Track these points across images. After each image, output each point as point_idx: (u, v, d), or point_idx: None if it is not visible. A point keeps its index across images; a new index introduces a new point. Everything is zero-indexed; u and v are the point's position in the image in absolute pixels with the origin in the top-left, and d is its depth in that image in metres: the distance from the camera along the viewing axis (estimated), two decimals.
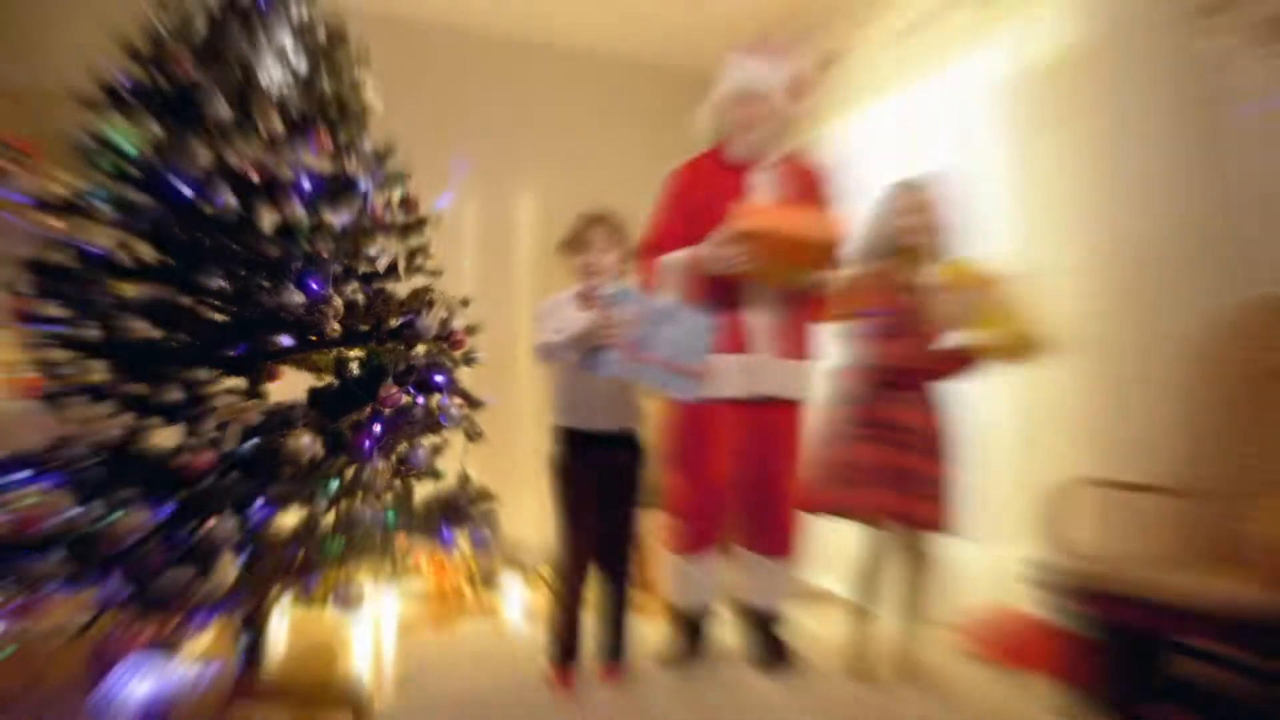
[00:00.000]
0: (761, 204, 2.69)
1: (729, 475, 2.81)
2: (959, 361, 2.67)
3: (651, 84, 5.00)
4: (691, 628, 2.87)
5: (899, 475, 2.59)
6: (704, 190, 2.83)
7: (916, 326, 2.65)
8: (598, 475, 2.59)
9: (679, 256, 2.75)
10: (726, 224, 2.58)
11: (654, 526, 4.05)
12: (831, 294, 2.79)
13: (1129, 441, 2.86)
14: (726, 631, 3.03)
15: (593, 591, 2.63)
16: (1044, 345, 2.56)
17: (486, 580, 4.16)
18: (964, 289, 2.57)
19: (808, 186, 2.87)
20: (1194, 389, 2.57)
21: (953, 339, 2.63)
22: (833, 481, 2.67)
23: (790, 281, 2.70)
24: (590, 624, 2.68)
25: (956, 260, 2.67)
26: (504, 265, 4.61)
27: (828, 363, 2.91)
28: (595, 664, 2.63)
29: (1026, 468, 3.30)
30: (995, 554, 3.32)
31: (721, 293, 2.74)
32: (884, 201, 2.75)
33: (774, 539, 2.83)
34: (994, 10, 3.47)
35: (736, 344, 2.76)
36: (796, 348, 2.81)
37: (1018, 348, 2.55)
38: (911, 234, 2.68)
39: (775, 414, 2.79)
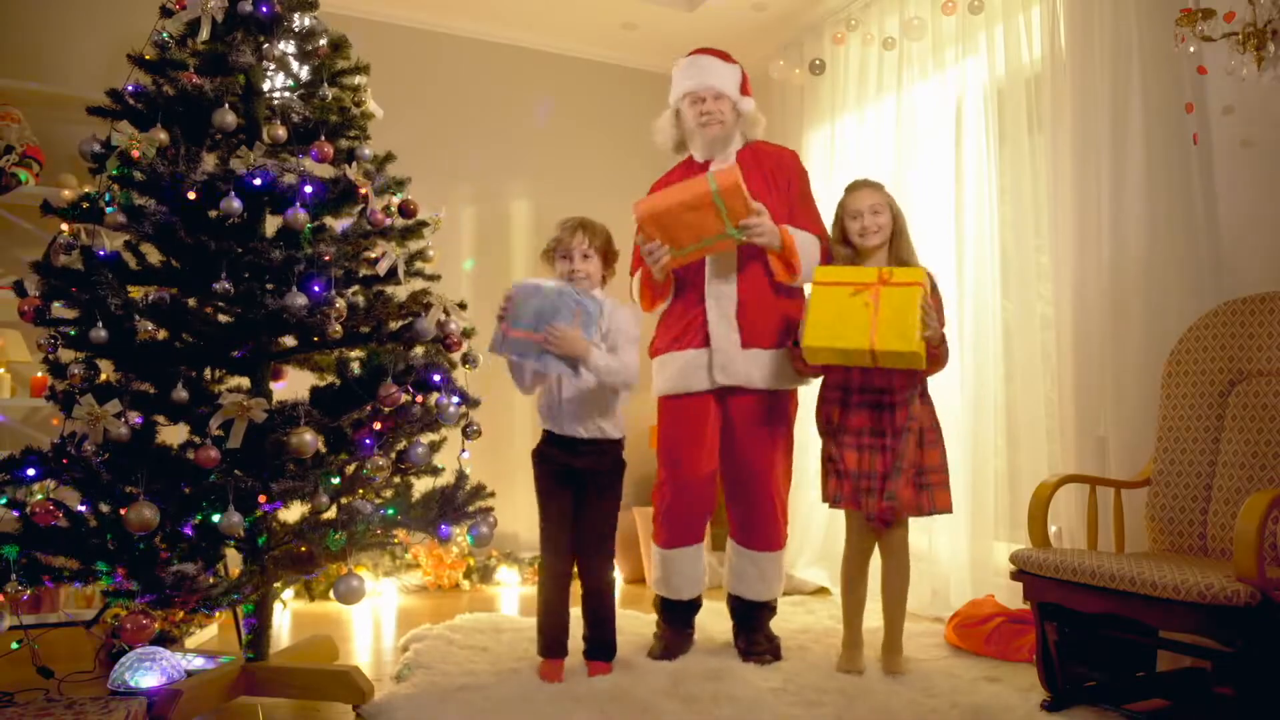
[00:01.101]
0: (651, 196, 2.75)
1: (716, 470, 2.88)
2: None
3: (646, 92, 5.04)
4: (679, 621, 2.94)
5: (873, 478, 2.64)
6: None
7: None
8: (568, 475, 2.66)
9: (638, 276, 2.88)
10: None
11: (646, 526, 4.12)
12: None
13: (1106, 440, 2.92)
14: (715, 623, 3.10)
15: (580, 588, 2.70)
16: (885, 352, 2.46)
17: (483, 574, 4.23)
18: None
19: (767, 169, 2.90)
20: (1168, 390, 2.64)
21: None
22: (821, 474, 2.75)
23: (716, 245, 2.71)
24: (577, 618, 2.75)
25: (824, 266, 2.65)
26: (500, 268, 4.66)
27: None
28: (584, 659, 2.69)
29: (1009, 465, 3.37)
30: (979, 547, 3.39)
31: (681, 293, 2.87)
32: (840, 203, 2.78)
33: (760, 533, 2.88)
34: (978, 18, 3.53)
35: (699, 339, 2.82)
36: (766, 337, 2.81)
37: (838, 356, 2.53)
38: (864, 234, 2.70)
39: (751, 405, 2.82)
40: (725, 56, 2.95)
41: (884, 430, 2.65)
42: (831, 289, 2.55)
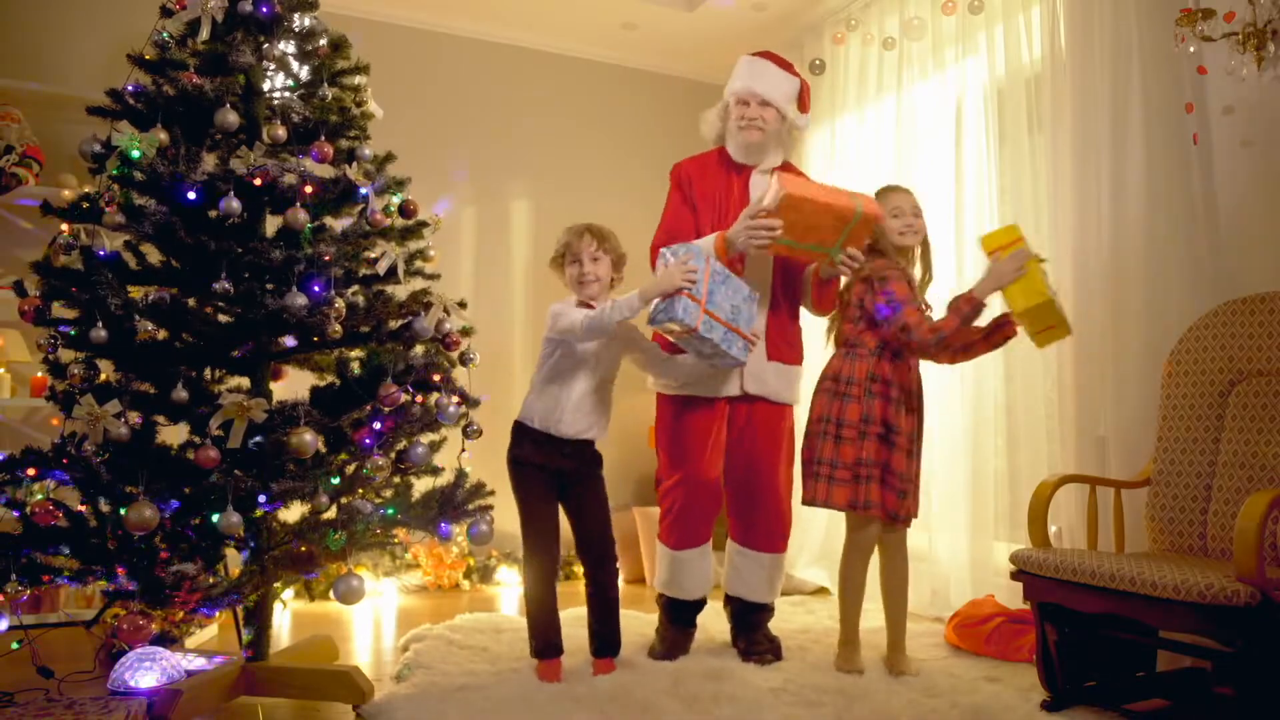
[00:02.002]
0: (794, 177, 2.72)
1: (722, 472, 2.88)
2: (998, 332, 2.69)
3: (646, 92, 5.05)
4: (682, 620, 2.94)
5: (888, 473, 2.65)
6: (709, 184, 2.91)
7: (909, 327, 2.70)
8: (552, 476, 2.67)
9: (704, 241, 2.76)
10: (766, 194, 2.62)
11: (649, 520, 4.12)
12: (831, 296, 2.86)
13: (1106, 440, 2.92)
14: (715, 623, 3.10)
15: (583, 586, 2.71)
16: (1064, 322, 2.54)
17: (483, 573, 4.23)
18: (1014, 249, 2.54)
19: None
20: (1168, 390, 2.64)
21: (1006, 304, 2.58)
22: (827, 478, 2.71)
23: (809, 253, 2.70)
24: (578, 617, 2.75)
25: (997, 229, 2.67)
26: (500, 267, 4.67)
27: (815, 364, 2.97)
28: (588, 657, 2.69)
29: (1009, 465, 3.37)
30: (979, 547, 3.39)
31: None
32: (879, 199, 2.78)
33: (765, 535, 2.89)
34: (978, 18, 3.52)
35: None
36: (787, 352, 2.90)
37: (1052, 316, 2.50)
38: (905, 233, 2.74)
39: (765, 414, 2.86)
40: (788, 66, 2.94)
41: (917, 433, 2.73)
42: (1005, 251, 2.55)
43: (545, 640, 2.63)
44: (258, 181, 2.38)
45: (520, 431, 2.69)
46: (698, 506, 2.86)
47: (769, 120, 2.87)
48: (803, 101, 2.96)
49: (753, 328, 2.62)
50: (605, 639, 2.70)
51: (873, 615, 2.88)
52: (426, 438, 2.65)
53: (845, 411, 2.69)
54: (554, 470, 2.66)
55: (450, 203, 4.54)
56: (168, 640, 2.83)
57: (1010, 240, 2.58)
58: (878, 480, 2.65)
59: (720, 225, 2.81)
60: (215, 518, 2.22)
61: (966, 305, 2.56)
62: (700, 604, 2.96)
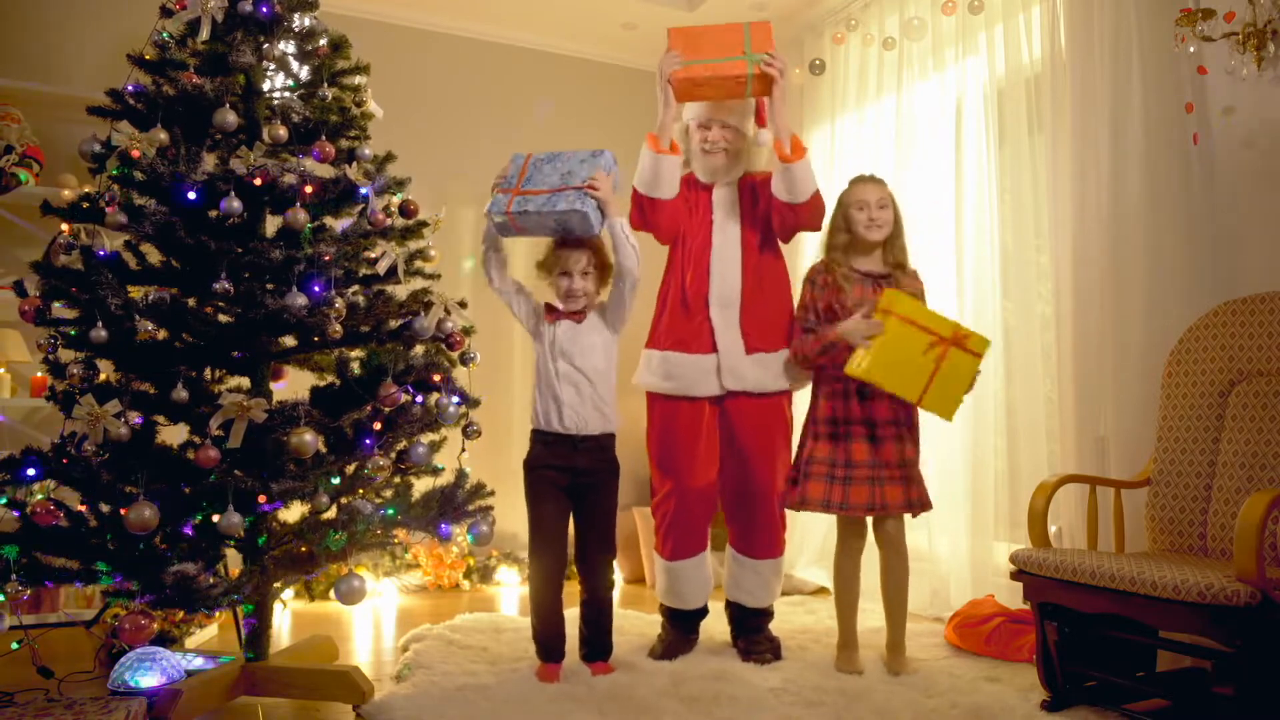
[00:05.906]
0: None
1: (716, 477, 2.87)
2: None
3: (646, 92, 5.03)
4: (684, 629, 2.94)
5: (872, 468, 2.65)
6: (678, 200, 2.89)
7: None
8: (564, 477, 2.63)
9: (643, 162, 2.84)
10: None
11: (645, 526, 4.12)
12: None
13: (1106, 440, 2.92)
14: (715, 623, 3.10)
15: (575, 590, 2.70)
16: (940, 400, 2.57)
17: (483, 573, 4.23)
18: (880, 318, 2.57)
19: (759, 187, 2.92)
20: (1168, 390, 2.64)
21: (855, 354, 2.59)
22: (810, 479, 2.71)
23: (730, 64, 2.72)
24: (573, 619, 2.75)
25: (899, 293, 2.64)
26: None
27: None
28: (584, 662, 2.69)
29: (1009, 465, 3.37)
30: (979, 547, 3.39)
31: (684, 302, 2.85)
32: (845, 193, 2.79)
33: (761, 542, 2.87)
34: (978, 18, 3.53)
35: (707, 344, 2.82)
36: (767, 341, 2.84)
37: (901, 386, 2.55)
38: (870, 226, 2.72)
39: (752, 409, 2.82)
40: None
41: (898, 419, 2.70)
42: (910, 330, 2.55)
43: (547, 645, 2.63)
44: (258, 181, 2.38)
45: (532, 436, 2.69)
46: (689, 516, 2.85)
47: (731, 141, 2.89)
48: (760, 116, 2.96)
49: (600, 172, 2.60)
50: (593, 645, 2.69)
51: (873, 615, 2.87)
52: (426, 438, 2.65)
53: (818, 410, 2.77)
54: (564, 470, 2.63)
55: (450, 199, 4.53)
56: (168, 640, 2.83)
57: (886, 308, 2.59)
58: (860, 480, 2.66)
59: (689, 241, 2.87)
60: (215, 518, 2.23)
61: (827, 336, 2.66)
62: (701, 613, 2.96)
